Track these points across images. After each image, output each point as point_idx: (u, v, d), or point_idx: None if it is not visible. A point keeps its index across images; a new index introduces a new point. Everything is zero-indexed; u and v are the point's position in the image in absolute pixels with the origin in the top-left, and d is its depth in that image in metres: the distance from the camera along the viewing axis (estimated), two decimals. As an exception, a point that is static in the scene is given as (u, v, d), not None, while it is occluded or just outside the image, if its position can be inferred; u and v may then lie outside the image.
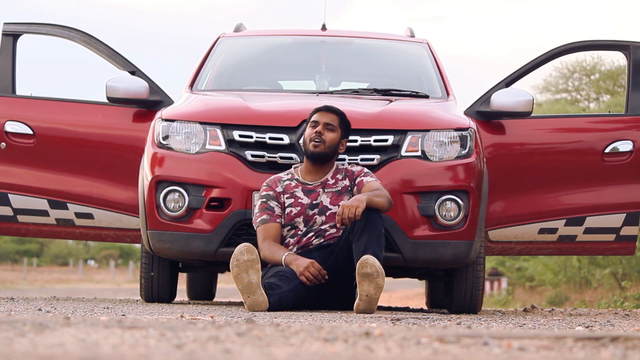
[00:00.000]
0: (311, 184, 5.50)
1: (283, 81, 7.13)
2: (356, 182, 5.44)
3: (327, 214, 5.45)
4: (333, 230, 5.44)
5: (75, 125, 6.59)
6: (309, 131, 5.46)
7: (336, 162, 5.56)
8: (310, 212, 5.45)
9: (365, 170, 5.47)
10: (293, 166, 5.56)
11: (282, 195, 5.47)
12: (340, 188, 5.49)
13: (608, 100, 25.82)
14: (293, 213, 5.45)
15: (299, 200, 5.46)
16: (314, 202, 5.47)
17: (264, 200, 5.45)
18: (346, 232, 5.30)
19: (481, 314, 5.89)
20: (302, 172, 5.53)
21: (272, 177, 5.50)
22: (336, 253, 5.34)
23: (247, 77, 6.97)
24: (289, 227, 5.46)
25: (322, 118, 5.46)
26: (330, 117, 5.47)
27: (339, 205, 5.42)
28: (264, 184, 5.48)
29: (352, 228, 5.20)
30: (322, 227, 5.43)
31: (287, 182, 5.49)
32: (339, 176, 5.51)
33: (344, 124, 5.50)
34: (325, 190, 5.48)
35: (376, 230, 5.17)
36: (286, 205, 5.46)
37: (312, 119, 5.48)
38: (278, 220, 5.45)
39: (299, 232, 5.45)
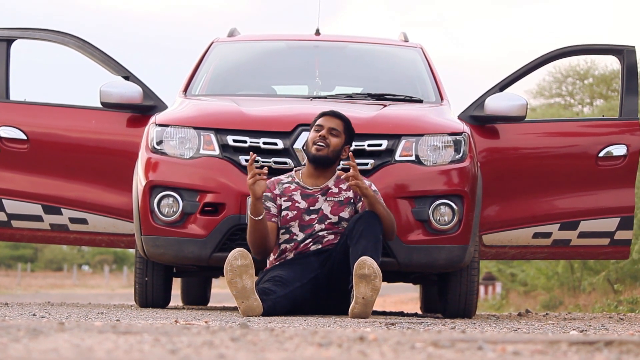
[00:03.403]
0: (311, 189, 5.47)
1: (277, 86, 7.12)
2: (362, 198, 5.36)
3: (326, 222, 5.42)
4: (331, 237, 5.42)
5: (69, 131, 6.58)
6: (312, 134, 5.42)
7: (338, 171, 5.54)
8: (307, 217, 5.43)
9: (374, 187, 5.40)
10: (295, 169, 5.54)
11: (279, 198, 5.45)
12: (342, 199, 5.45)
13: (602, 105, 25.84)
14: (289, 217, 5.44)
15: (296, 205, 5.44)
16: (312, 207, 5.44)
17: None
18: (344, 237, 5.29)
19: (475, 319, 5.89)
20: (303, 176, 5.50)
21: (272, 178, 5.48)
22: (333, 258, 5.33)
23: (241, 82, 6.97)
24: (283, 230, 5.45)
25: (327, 122, 5.44)
26: (335, 122, 5.45)
27: (338, 216, 5.40)
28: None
29: (351, 232, 5.20)
30: (320, 234, 5.42)
31: (287, 185, 5.47)
32: (343, 186, 5.48)
33: (349, 130, 5.47)
34: (327, 198, 5.46)
35: (374, 236, 5.17)
36: (283, 207, 5.45)
37: (317, 122, 5.45)
38: (273, 220, 5.43)
39: (295, 237, 5.43)
